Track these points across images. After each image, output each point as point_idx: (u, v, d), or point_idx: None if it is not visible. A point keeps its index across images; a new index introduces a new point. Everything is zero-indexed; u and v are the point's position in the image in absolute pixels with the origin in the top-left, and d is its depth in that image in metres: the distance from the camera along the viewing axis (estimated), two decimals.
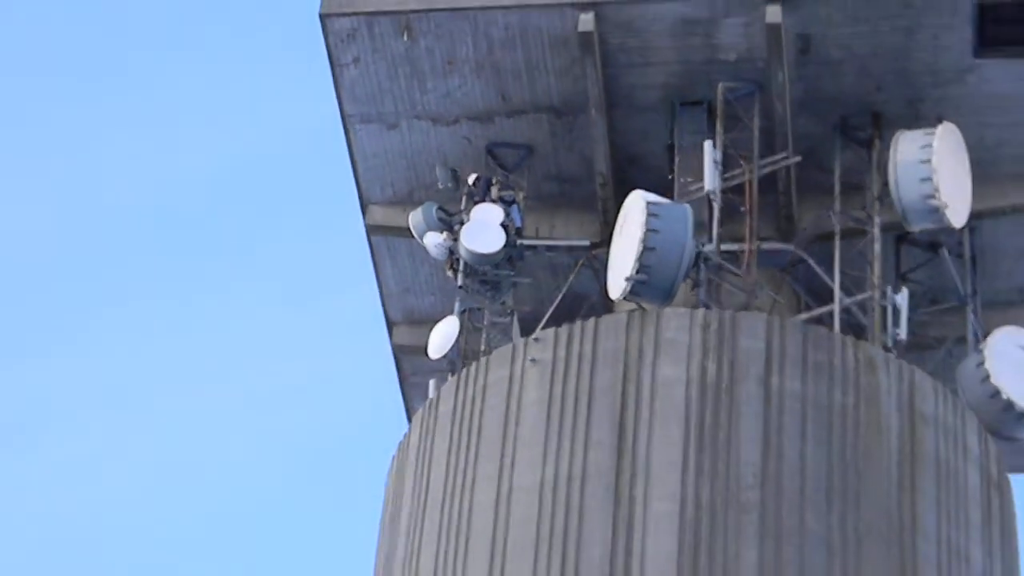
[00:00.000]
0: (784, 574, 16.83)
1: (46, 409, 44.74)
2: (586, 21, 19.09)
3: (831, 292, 18.84)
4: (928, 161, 18.58)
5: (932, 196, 18.52)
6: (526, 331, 19.05)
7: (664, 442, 17.11)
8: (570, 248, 20.14)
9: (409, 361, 21.56)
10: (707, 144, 18.95)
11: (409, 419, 20.28)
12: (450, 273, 19.70)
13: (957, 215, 18.67)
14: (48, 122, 46.17)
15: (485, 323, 19.59)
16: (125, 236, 45.47)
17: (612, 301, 18.47)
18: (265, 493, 43.02)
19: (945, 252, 19.70)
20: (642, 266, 17.68)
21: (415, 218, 19.81)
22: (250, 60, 44.69)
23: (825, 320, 18.67)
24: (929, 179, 18.49)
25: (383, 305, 21.67)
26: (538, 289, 20.22)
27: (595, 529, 16.90)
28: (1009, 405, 18.55)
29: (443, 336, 19.50)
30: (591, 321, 18.20)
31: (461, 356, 19.32)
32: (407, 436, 19.03)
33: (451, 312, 19.58)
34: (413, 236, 19.98)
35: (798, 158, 19.20)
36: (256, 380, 42.90)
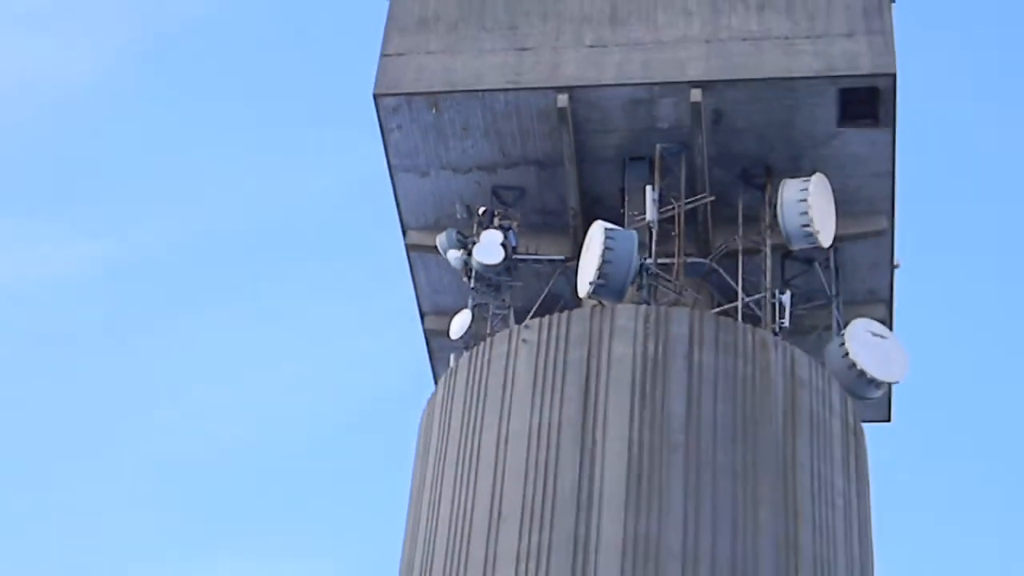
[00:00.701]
0: (702, 495, 18.63)
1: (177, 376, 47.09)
2: (562, 100, 20.97)
3: (736, 293, 20.86)
4: (805, 200, 20.66)
5: (808, 225, 20.59)
6: (519, 320, 20.89)
7: (616, 400, 19.16)
8: (550, 261, 21.81)
9: (436, 341, 23.31)
10: (648, 188, 20.86)
11: (435, 382, 21.88)
12: (465, 279, 21.49)
13: (825, 239, 20.85)
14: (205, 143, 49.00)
15: (489, 314, 21.40)
16: (232, 247, 49.04)
17: (580, 299, 20.61)
18: (332, 438, 46.86)
19: (817, 265, 21.63)
20: (601, 274, 19.90)
21: (440, 240, 21.75)
22: (322, 126, 47.57)
23: (731, 313, 20.66)
24: (806, 213, 20.58)
25: (417, 301, 23.48)
26: (527, 290, 21.68)
27: (567, 461, 18.79)
28: (862, 373, 20.80)
29: (460, 323, 21.46)
30: (565, 313, 20.12)
31: (472, 338, 21.22)
32: (434, 395, 20.97)
33: (465, 306, 21.50)
34: (439, 252, 21.80)
35: (712, 198, 21.13)
36: (327, 355, 45.93)
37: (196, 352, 47.97)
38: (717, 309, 20.68)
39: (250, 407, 48.19)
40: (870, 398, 21.50)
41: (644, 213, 20.68)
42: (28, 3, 49.51)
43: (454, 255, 21.45)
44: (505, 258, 21.09)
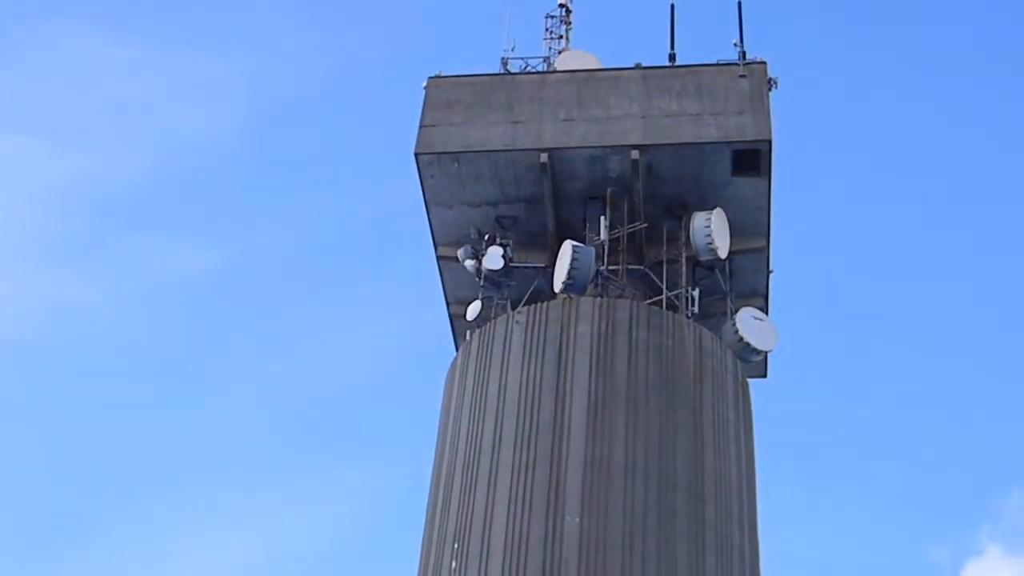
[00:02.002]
0: (638, 428, 19.62)
1: None
2: (544, 157, 21.97)
3: (662, 290, 21.69)
4: (708, 227, 21.67)
5: (711, 244, 21.60)
6: (513, 308, 21.64)
7: (580, 363, 20.30)
8: (535, 268, 22.47)
9: (457, 322, 23.64)
10: (601, 218, 21.85)
11: (456, 350, 22.63)
12: (477, 279, 22.33)
13: (723, 253, 21.81)
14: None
15: (493, 304, 22.13)
16: (321, 255, 50.72)
17: (555, 294, 21.42)
18: (390, 384, 49.27)
19: (717, 271, 22.42)
20: (570, 277, 21.06)
21: (460, 252, 22.65)
22: (378, 176, 49.10)
23: (659, 304, 21.47)
24: (709, 236, 21.60)
25: (444, 294, 24.01)
26: (519, 287, 22.26)
27: (547, 404, 19.89)
28: (747, 345, 21.91)
29: (473, 309, 22.23)
30: (545, 303, 21.23)
31: (481, 320, 21.97)
32: (455, 359, 22.00)
33: (477, 298, 22.26)
34: (459, 261, 22.66)
35: (646, 225, 22.06)
36: (386, 330, 48.16)
37: (304, 325, 49.83)
38: (648, 301, 21.57)
39: (338, 357, 49.16)
40: (752, 361, 22.56)
41: (599, 235, 21.78)
42: (186, 75, 50.47)
43: (470, 263, 22.48)
44: (504, 265, 22.10)
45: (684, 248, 22.02)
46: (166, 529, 47.56)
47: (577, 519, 18.62)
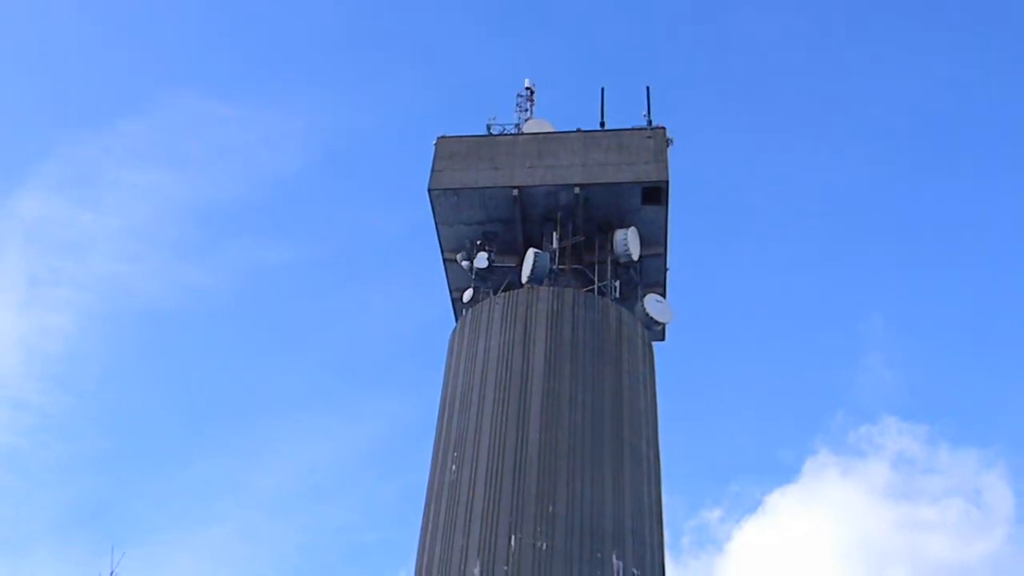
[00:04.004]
0: (577, 374, 19.59)
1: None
2: (515, 192, 22.07)
3: (594, 282, 21.82)
4: (626, 239, 21.97)
5: (627, 250, 21.91)
6: (494, 294, 21.70)
7: (540, 330, 20.27)
8: (509, 267, 22.38)
9: (457, 304, 23.57)
10: (554, 234, 22.16)
11: (456, 322, 22.33)
12: (470, 274, 22.50)
13: (635, 256, 22.14)
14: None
15: (481, 292, 22.22)
16: (354, 261, 50.51)
17: (523, 284, 21.52)
18: (409, 344, 48.14)
19: (631, 269, 22.43)
20: (532, 273, 21.45)
21: (459, 256, 22.79)
22: (402, 205, 50.64)
23: (593, 291, 21.56)
24: (626, 245, 21.91)
25: (448, 285, 23.77)
26: (499, 280, 22.33)
27: (516, 360, 19.91)
28: (652, 318, 22.07)
29: (468, 295, 22.48)
30: (515, 291, 21.33)
31: (473, 302, 22.07)
32: (455, 328, 21.97)
33: (470, 287, 22.52)
34: (458, 262, 22.84)
35: (583, 238, 22.31)
36: (410, 312, 48.06)
37: (353, 304, 50.11)
38: (585, 289, 21.77)
39: (377, 326, 49.58)
40: (655, 330, 22.65)
41: (553, 245, 22.14)
42: (265, 127, 51.44)
43: (465, 264, 22.79)
44: (488, 265, 22.25)
45: (609, 254, 22.24)
46: (262, 440, 49.23)
47: (537, 434, 18.75)
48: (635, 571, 17.44)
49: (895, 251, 49.49)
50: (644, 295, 22.68)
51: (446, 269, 23.65)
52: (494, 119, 23.60)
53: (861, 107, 50.62)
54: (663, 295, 23.40)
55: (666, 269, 23.41)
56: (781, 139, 51.93)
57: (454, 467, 18.89)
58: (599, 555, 17.38)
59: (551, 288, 21.31)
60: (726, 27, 51.18)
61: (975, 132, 50.23)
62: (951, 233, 50.15)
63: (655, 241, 22.85)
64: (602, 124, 23.61)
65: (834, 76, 50.97)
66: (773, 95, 51.09)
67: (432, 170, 22.68)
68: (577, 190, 22.06)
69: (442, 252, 23.41)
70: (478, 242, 22.76)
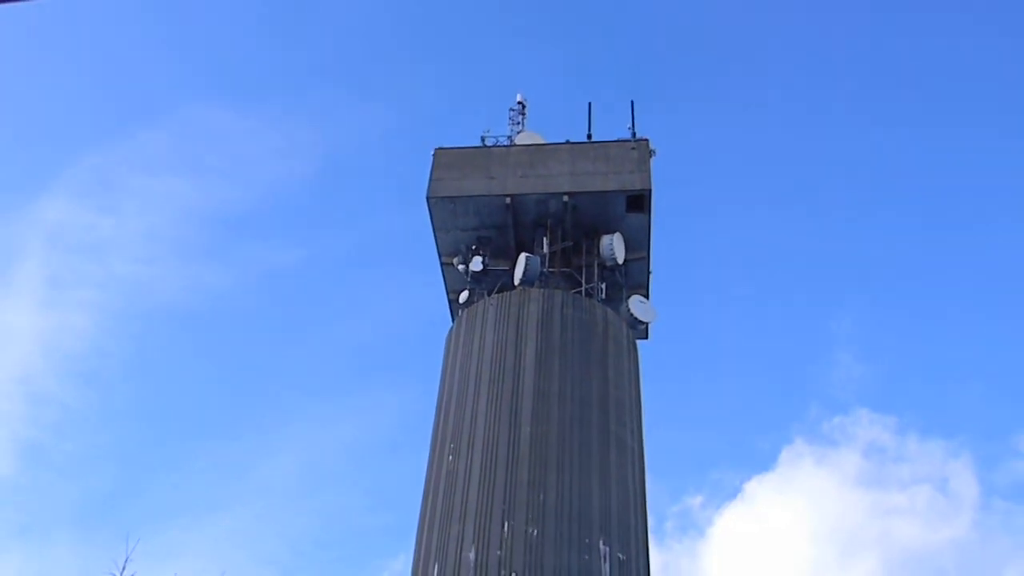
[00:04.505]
0: (566, 371, 19.56)
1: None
2: (508, 200, 21.89)
3: (582, 284, 21.82)
4: (612, 244, 21.87)
5: (613, 254, 21.79)
6: (489, 295, 21.75)
7: (531, 329, 20.34)
8: (503, 270, 22.40)
9: (454, 304, 23.51)
10: (544, 239, 22.08)
11: (453, 322, 22.35)
12: (466, 277, 22.48)
13: (620, 260, 22.03)
14: None
15: (476, 293, 22.33)
16: (361, 261, 50.33)
17: (515, 286, 21.51)
18: (413, 340, 48.68)
19: (617, 272, 22.32)
20: (524, 276, 21.42)
21: (455, 260, 22.68)
22: (405, 211, 49.48)
23: (581, 293, 21.53)
24: (612, 249, 21.81)
25: (445, 286, 23.63)
26: (493, 282, 22.37)
27: (510, 356, 19.88)
28: (635, 318, 22.07)
29: (464, 296, 22.51)
30: (508, 292, 21.38)
31: (468, 303, 22.13)
32: (452, 327, 21.94)
33: (466, 289, 22.55)
34: (455, 265, 22.74)
35: (572, 243, 22.28)
36: (408, 310, 48.03)
37: (360, 301, 49.87)
38: (573, 291, 21.79)
39: (381, 323, 49.50)
40: (639, 329, 22.69)
41: (543, 249, 22.09)
42: (279, 139, 50.69)
43: (461, 267, 22.77)
44: (483, 268, 22.26)
45: (596, 258, 22.30)
46: (273, 429, 49.16)
47: (529, 427, 18.72)
48: (620, 555, 17.45)
49: (866, 255, 49.88)
50: (629, 296, 22.75)
51: (443, 272, 23.67)
52: (488, 132, 23.71)
53: (843, 115, 50.82)
54: (646, 296, 23.40)
55: (649, 272, 23.44)
56: (759, 146, 52.03)
57: (451, 458, 18.86)
58: (587, 540, 17.39)
59: (542, 290, 21.36)
60: (709, 43, 51.53)
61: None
62: (921, 236, 50.68)
63: (639, 246, 22.88)
64: (589, 136, 23.60)
65: (813, 84, 51.10)
66: (753, 105, 50.92)
67: (430, 179, 22.62)
68: (566, 198, 21.98)
69: (439, 256, 23.41)
70: (473, 247, 22.77)
